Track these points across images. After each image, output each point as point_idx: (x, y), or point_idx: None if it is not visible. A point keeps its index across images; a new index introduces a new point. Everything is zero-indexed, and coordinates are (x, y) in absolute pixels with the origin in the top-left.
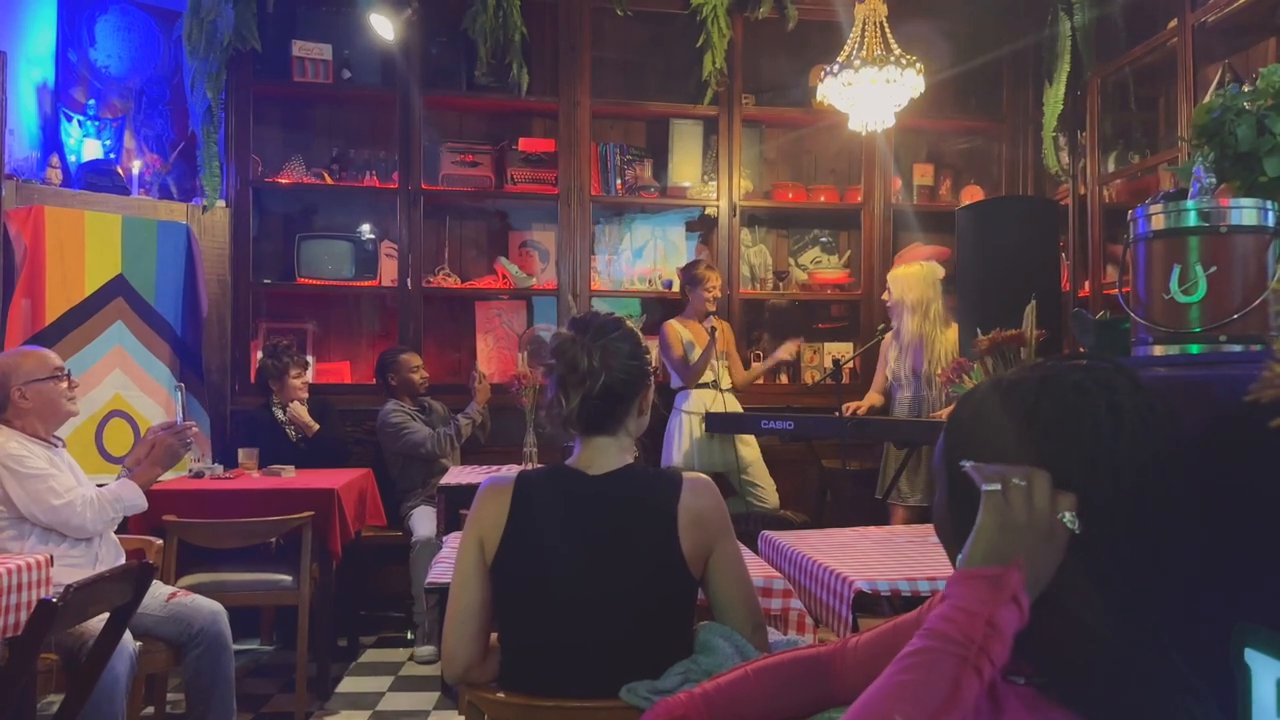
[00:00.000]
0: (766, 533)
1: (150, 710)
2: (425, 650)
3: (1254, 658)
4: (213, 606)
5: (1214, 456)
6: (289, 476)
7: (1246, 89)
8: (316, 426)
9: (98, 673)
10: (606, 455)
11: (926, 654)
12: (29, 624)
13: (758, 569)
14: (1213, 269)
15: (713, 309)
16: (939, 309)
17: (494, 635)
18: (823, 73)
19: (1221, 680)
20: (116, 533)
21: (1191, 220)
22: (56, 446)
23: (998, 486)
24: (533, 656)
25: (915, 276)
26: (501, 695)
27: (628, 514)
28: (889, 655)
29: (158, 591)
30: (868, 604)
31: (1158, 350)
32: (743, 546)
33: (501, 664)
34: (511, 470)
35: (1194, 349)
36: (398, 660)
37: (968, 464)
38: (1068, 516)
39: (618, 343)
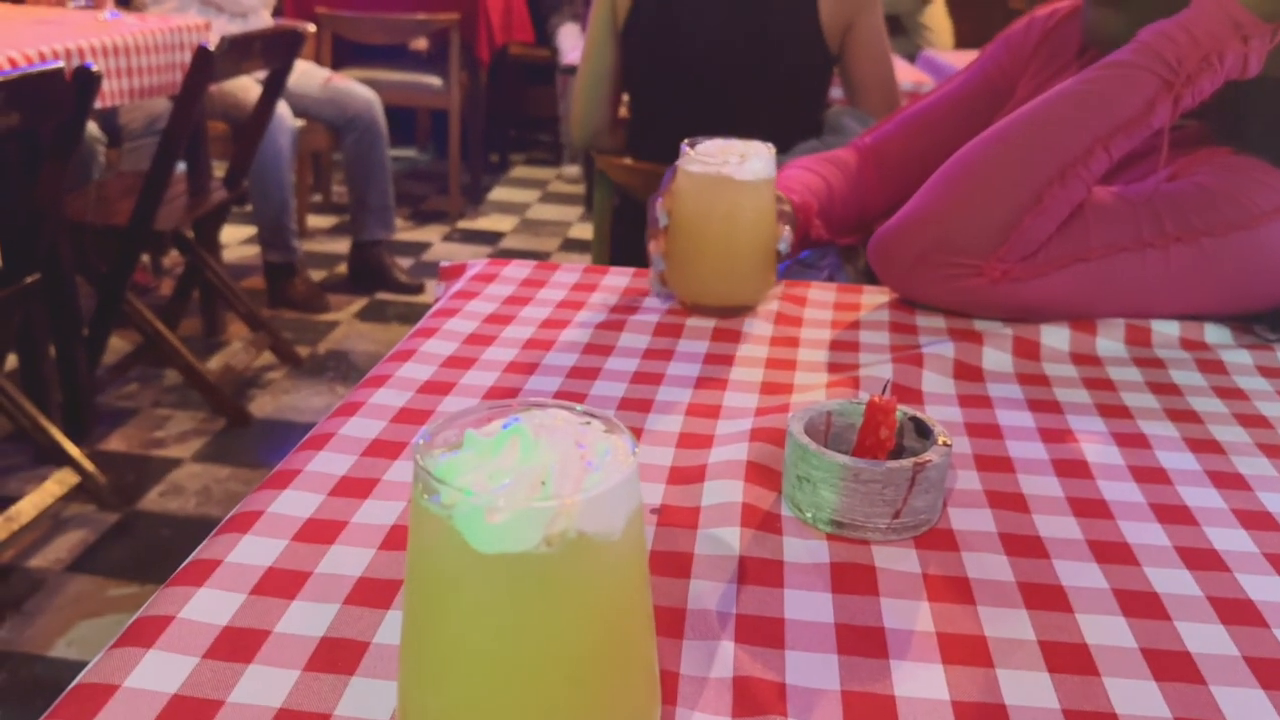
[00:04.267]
0: (928, 52)
1: (319, 198)
2: (571, 170)
3: None
4: (367, 94)
5: None
6: None
7: None
8: None
9: (259, 134)
10: None
11: (1129, 68)
12: (190, 71)
13: (907, 74)
14: None
15: None
16: None
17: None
18: None
19: None
20: (274, 18)
21: None
22: None
23: None
24: (660, 124)
25: None
26: (628, 161)
27: None
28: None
29: (315, 74)
30: None
31: None
32: (901, 60)
33: (629, 133)
34: None
35: None
36: (545, 177)
37: None
38: None
39: None
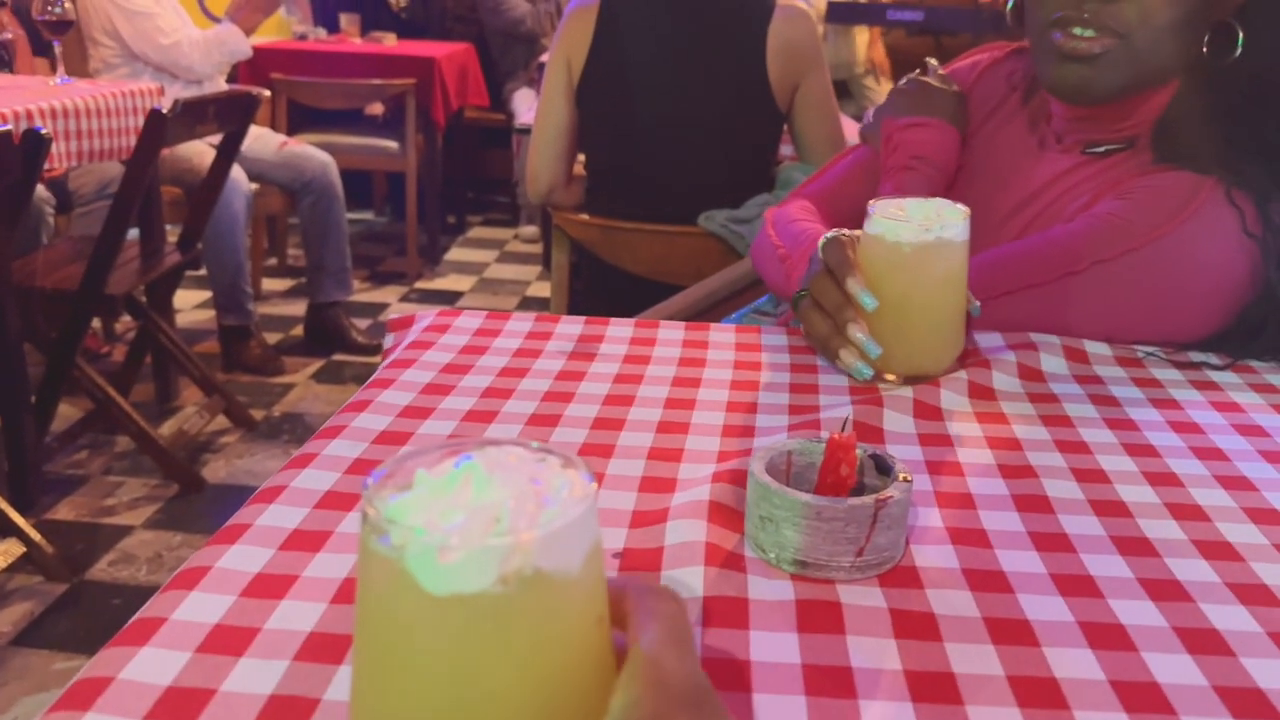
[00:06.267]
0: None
1: (274, 261)
2: (529, 230)
3: None
4: (323, 157)
5: None
6: (390, 44)
7: None
8: None
9: (213, 198)
10: None
11: None
12: (143, 133)
13: (854, 132)
14: None
15: None
16: None
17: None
18: None
19: None
20: (228, 84)
21: None
22: None
23: None
24: (615, 180)
25: None
26: (584, 217)
27: (716, 35)
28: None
29: (270, 139)
30: None
31: None
32: (848, 119)
33: (586, 189)
34: None
35: None
36: (503, 238)
37: None
38: None
39: None
